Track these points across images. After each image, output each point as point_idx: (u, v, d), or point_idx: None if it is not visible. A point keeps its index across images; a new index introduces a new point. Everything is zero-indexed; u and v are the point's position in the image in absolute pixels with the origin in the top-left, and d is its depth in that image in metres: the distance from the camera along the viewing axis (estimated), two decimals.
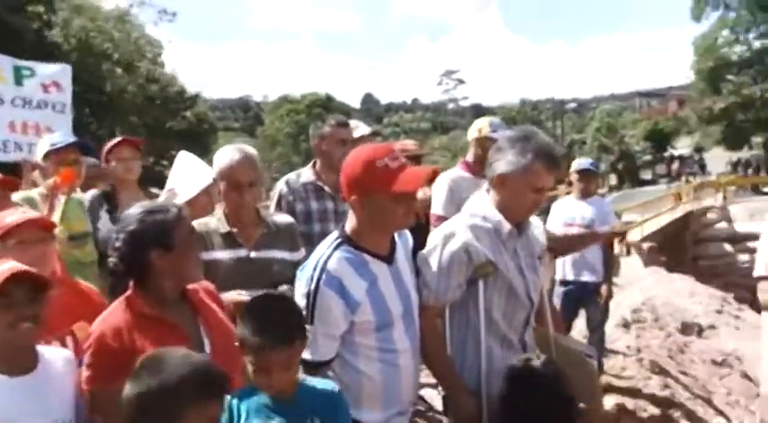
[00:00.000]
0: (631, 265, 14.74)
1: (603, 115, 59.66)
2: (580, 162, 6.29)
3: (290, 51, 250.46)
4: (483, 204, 2.61)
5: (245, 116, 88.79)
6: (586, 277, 6.03)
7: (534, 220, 2.77)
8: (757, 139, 45.19)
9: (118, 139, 3.91)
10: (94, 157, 4.31)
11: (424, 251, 2.57)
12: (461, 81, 61.47)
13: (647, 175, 53.58)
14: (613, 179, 52.57)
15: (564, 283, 6.11)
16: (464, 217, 2.60)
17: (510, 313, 2.58)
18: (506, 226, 2.55)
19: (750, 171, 38.33)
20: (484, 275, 2.52)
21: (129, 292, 2.21)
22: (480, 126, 4.29)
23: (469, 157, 4.31)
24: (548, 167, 2.47)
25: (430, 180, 4.43)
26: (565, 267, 6.07)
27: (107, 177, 3.91)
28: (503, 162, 2.54)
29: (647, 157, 55.95)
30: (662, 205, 23.62)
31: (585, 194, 6.14)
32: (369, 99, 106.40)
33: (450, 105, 62.60)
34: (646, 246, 16.64)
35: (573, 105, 63.83)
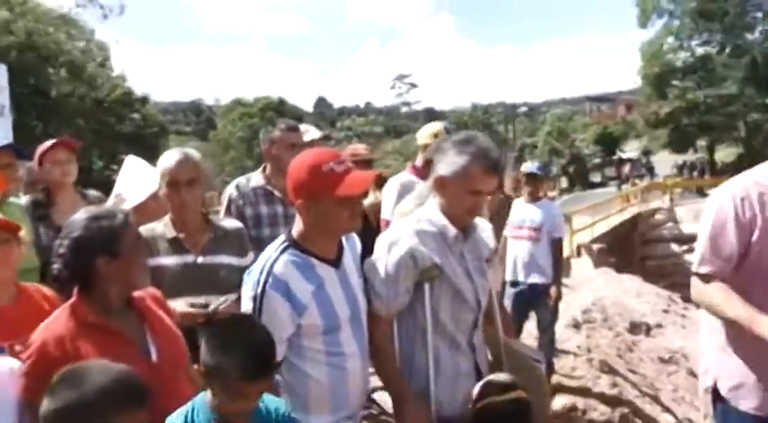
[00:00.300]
0: (582, 267, 15.01)
1: (554, 119, 60.77)
2: (527, 166, 6.41)
3: (242, 55, 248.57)
4: (429, 209, 2.63)
5: (198, 120, 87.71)
6: (536, 279, 6.13)
7: (481, 223, 2.79)
8: (701, 143, 46.57)
9: (52, 141, 3.79)
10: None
11: (372, 258, 2.58)
12: (414, 85, 61.76)
13: (596, 177, 54.67)
14: (564, 182, 53.55)
15: (514, 284, 6.20)
16: (410, 222, 2.62)
17: (457, 316, 2.60)
18: (452, 230, 2.58)
19: (695, 174, 39.40)
20: (430, 279, 2.53)
21: (73, 300, 2.16)
22: (436, 130, 4.28)
23: (419, 161, 4.33)
24: (485, 170, 2.49)
25: (380, 184, 4.45)
26: (515, 269, 6.17)
27: (42, 181, 3.80)
28: (442, 164, 2.56)
29: (597, 161, 57.13)
30: (611, 207, 24.13)
31: (534, 198, 6.27)
32: (322, 103, 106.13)
33: (403, 109, 62.88)
34: (596, 247, 16.93)
35: (524, 109, 64.71)
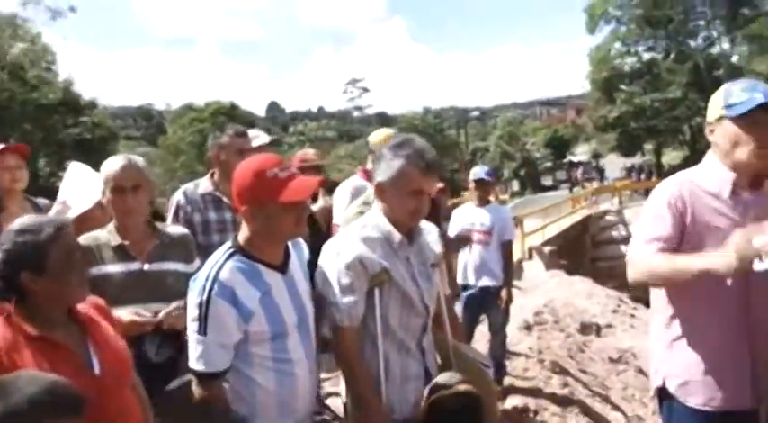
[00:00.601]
0: (534, 269, 15.21)
1: (505, 123, 61.52)
2: (476, 171, 6.48)
3: (193, 58, 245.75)
4: (373, 215, 2.65)
5: (148, 125, 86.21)
6: (487, 282, 6.21)
7: (427, 227, 2.80)
8: (648, 146, 47.79)
9: (1, 146, 3.66)
10: None
11: (321, 269, 2.58)
12: (366, 89, 61.89)
13: (548, 180, 55.60)
14: (516, 185, 54.32)
15: (465, 287, 6.27)
16: (355, 229, 2.63)
17: (406, 321, 2.61)
18: (397, 235, 2.59)
19: (643, 176, 40.29)
20: (379, 284, 2.54)
21: (10, 311, 2.09)
22: (385, 135, 4.29)
23: (370, 165, 4.34)
24: (420, 170, 2.50)
25: (330, 189, 4.45)
26: (466, 272, 6.24)
27: None
28: (380, 170, 2.59)
29: (548, 164, 58.15)
30: (562, 210, 24.50)
31: (483, 202, 6.36)
32: (274, 107, 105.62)
33: (356, 114, 62.88)
34: (547, 249, 17.18)
35: (476, 114, 65.44)
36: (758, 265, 2.16)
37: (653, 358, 2.77)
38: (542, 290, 12.36)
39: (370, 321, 2.56)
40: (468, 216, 6.33)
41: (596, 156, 54.71)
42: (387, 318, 2.57)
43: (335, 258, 2.54)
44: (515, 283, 12.77)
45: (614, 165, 48.31)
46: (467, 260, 6.25)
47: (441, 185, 7.90)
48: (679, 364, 2.62)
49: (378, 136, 4.37)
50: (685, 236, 2.51)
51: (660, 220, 2.53)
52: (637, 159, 47.84)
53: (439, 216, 5.89)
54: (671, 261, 2.39)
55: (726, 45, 45.19)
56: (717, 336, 2.54)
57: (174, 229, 3.16)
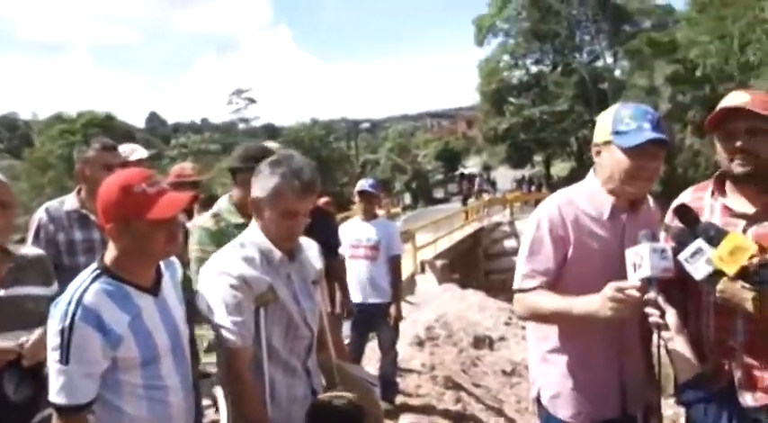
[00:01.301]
0: (426, 283, 15.42)
1: (396, 135, 62.23)
2: (360, 183, 6.50)
3: (63, 66, 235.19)
4: (253, 232, 2.62)
5: (12, 136, 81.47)
6: (375, 299, 6.24)
7: (308, 243, 2.80)
8: (538, 158, 49.73)
9: None
10: None
11: (203, 292, 2.53)
12: (252, 100, 60.70)
13: (440, 193, 56.54)
14: (408, 198, 54.89)
15: (353, 305, 6.21)
16: (234, 248, 2.59)
17: (291, 341, 2.60)
18: (277, 253, 2.57)
19: (533, 188, 41.77)
20: (264, 304, 2.52)
21: None
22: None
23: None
24: (295, 190, 2.50)
25: (209, 204, 4.35)
26: (354, 290, 6.22)
27: None
28: (257, 186, 2.57)
29: (440, 176, 59.18)
30: (454, 222, 24.99)
31: (369, 216, 6.40)
32: (154, 118, 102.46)
33: (241, 125, 61.70)
34: (439, 263, 17.44)
35: (366, 125, 65.95)
36: (631, 277, 2.30)
37: (530, 369, 2.90)
38: (435, 304, 12.53)
39: (254, 343, 2.53)
40: (354, 231, 6.36)
41: (487, 168, 56.27)
42: (271, 339, 2.54)
43: (218, 279, 2.49)
44: (407, 298, 12.92)
45: (505, 177, 49.87)
46: (354, 277, 6.26)
47: (325, 199, 7.97)
48: (551, 376, 2.75)
49: None
50: (567, 261, 2.61)
51: (541, 249, 2.62)
52: (527, 171, 49.56)
53: (334, 229, 5.91)
54: (553, 304, 2.54)
55: (609, 59, 47.97)
56: (588, 349, 2.66)
57: (28, 250, 2.97)
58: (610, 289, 2.30)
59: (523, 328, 12.10)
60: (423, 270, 16.71)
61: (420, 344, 9.05)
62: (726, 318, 2.43)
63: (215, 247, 2.92)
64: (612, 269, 2.41)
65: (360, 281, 6.25)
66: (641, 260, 2.26)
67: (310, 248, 2.81)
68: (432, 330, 9.80)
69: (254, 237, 2.60)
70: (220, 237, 3.22)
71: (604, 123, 2.59)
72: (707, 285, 2.34)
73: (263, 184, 2.55)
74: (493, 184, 48.96)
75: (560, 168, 49.08)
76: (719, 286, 2.28)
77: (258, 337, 2.52)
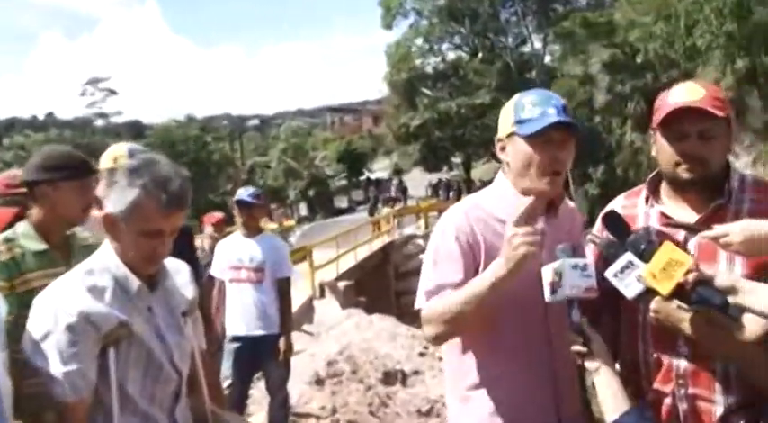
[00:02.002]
0: (327, 309, 15.37)
1: (290, 134, 62.20)
2: (239, 193, 6.47)
3: None
4: (105, 255, 2.50)
5: None
6: (260, 330, 6.20)
7: (176, 267, 2.71)
8: (457, 160, 50.39)
9: None
10: None
11: (30, 331, 2.37)
12: (112, 91, 59.26)
13: (342, 202, 56.80)
14: (304, 209, 54.83)
15: (235, 339, 6.22)
16: (77, 276, 2.45)
17: (151, 387, 2.49)
18: (134, 281, 2.46)
19: (452, 194, 42.38)
20: (115, 342, 2.39)
21: None
22: (116, 154, 4.13)
23: (101, 192, 4.10)
24: (160, 205, 2.38)
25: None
26: (234, 320, 6.20)
27: None
28: (110, 199, 2.43)
29: (342, 182, 59.42)
30: (360, 236, 25.02)
31: (252, 231, 6.37)
32: None
33: (99, 122, 60.12)
34: (342, 285, 17.47)
35: (255, 122, 65.57)
36: (548, 297, 2.33)
37: (449, 411, 2.89)
38: (337, 334, 12.49)
39: (102, 390, 2.39)
40: (234, 250, 6.32)
41: (398, 171, 56.84)
42: (125, 385, 2.42)
43: (52, 318, 2.34)
44: (304, 327, 12.81)
45: (418, 181, 50.46)
46: (234, 304, 6.22)
47: (220, 215, 7.67)
48: (472, 419, 2.74)
49: (106, 155, 4.19)
50: (479, 274, 2.60)
51: (448, 261, 2.64)
52: (444, 174, 50.32)
53: (193, 249, 5.75)
54: (460, 294, 2.53)
55: (538, 44, 49.29)
56: (516, 382, 2.67)
57: None
58: (508, 231, 2.39)
59: (442, 358, 12.18)
60: (322, 293, 16.72)
61: (319, 382, 8.96)
62: (665, 341, 2.50)
63: (5, 282, 2.81)
64: (532, 281, 2.42)
65: (242, 309, 6.20)
66: (559, 278, 2.30)
67: (179, 273, 2.72)
68: (333, 365, 9.72)
69: (106, 261, 2.46)
70: (13, 268, 3.01)
71: (506, 114, 2.67)
72: (641, 304, 2.40)
73: (119, 196, 2.41)
74: (404, 190, 49.46)
75: (483, 171, 49.90)
76: (653, 306, 2.35)
77: (107, 382, 2.39)
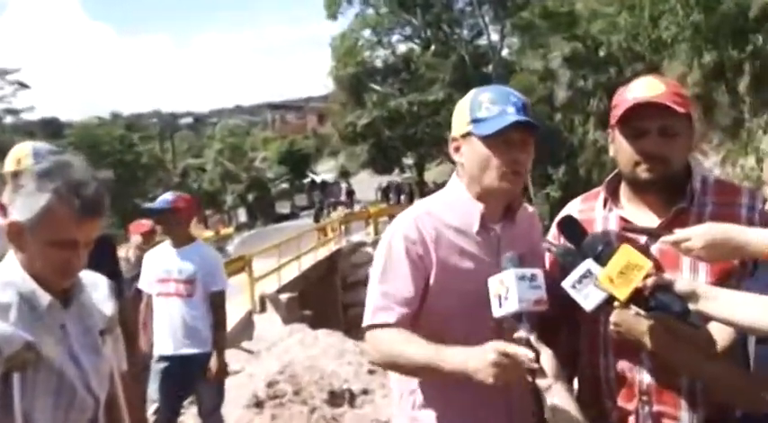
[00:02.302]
0: (267, 325, 15.30)
1: (226, 133, 61.89)
2: (159, 199, 6.43)
3: None
4: (10, 268, 2.42)
5: None
6: (191, 348, 6.14)
7: (92, 280, 2.65)
8: (408, 161, 50.57)
9: None
10: None
11: None
12: (23, 85, 57.88)
13: (285, 207, 56.72)
14: (243, 215, 54.59)
15: (162, 359, 6.15)
16: None
17: (63, 416, 2.41)
18: (43, 297, 2.39)
19: (403, 198, 42.54)
20: (21, 366, 2.31)
21: None
22: (19, 155, 4.09)
23: (6, 198, 4.01)
24: (73, 212, 2.33)
25: None
26: (161, 338, 6.15)
27: None
28: (17, 205, 2.37)
29: (285, 186, 59.28)
30: (304, 244, 24.97)
31: (180, 240, 6.29)
32: None
33: (9, 119, 58.78)
34: (285, 297, 17.44)
35: (187, 120, 65.08)
36: (497, 311, 2.33)
37: None
38: (278, 351, 12.44)
39: (5, 420, 2.32)
40: (161, 261, 6.26)
41: (345, 174, 56.98)
42: (31, 414, 2.34)
43: None
44: (243, 344, 12.72)
45: (367, 184, 50.60)
46: (161, 321, 6.17)
47: (148, 224, 7.56)
48: None
49: (10, 156, 4.14)
50: (430, 287, 2.63)
51: (397, 273, 2.65)
52: (395, 177, 50.53)
53: (115, 261, 5.66)
54: (417, 353, 2.51)
55: (495, 36, 49.58)
56: (467, 400, 2.64)
57: None
58: (492, 352, 2.30)
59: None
60: (263, 307, 16.67)
61: (258, 405, 8.91)
62: (628, 355, 2.53)
63: None
64: (482, 293, 2.42)
65: (170, 325, 6.13)
66: (507, 291, 2.30)
67: (96, 287, 2.66)
68: (274, 386, 9.67)
69: (10, 275, 2.39)
70: None
71: (461, 112, 2.68)
72: (601, 316, 2.44)
73: (26, 203, 2.34)
74: (350, 193, 49.56)
75: (437, 173, 50.17)
76: (613, 318, 2.38)
77: (9, 412, 2.31)
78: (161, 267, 6.22)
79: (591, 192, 2.84)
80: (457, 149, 2.70)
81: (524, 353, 2.24)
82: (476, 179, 2.64)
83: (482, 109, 2.60)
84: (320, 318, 18.03)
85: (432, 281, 2.63)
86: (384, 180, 49.70)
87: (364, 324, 2.67)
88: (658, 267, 2.33)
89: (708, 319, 2.26)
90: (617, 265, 2.24)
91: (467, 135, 2.64)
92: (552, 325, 2.52)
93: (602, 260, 2.30)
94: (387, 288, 2.65)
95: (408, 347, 2.54)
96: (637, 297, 2.23)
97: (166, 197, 6.33)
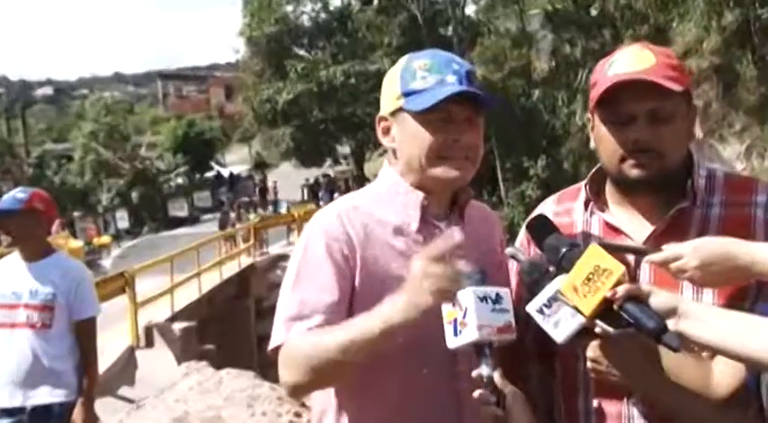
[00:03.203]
0: (156, 363, 15.17)
1: (101, 110, 61.23)
2: (6, 197, 6.28)
3: None
4: None
5: None
6: (47, 398, 5.99)
7: None
8: (345, 149, 50.67)
9: None
10: None
11: None
12: None
13: (180, 209, 56.48)
14: (124, 219, 54.15)
15: (5, 413, 5.97)
16: None
17: None
18: None
19: (337, 196, 42.59)
20: None
21: None
22: None
23: None
24: None
25: None
26: (2, 385, 5.96)
27: None
28: None
29: (180, 181, 58.94)
30: (206, 258, 24.85)
31: (33, 252, 6.16)
32: None
33: None
34: (179, 328, 17.28)
35: (46, 91, 64.29)
36: (451, 342, 2.32)
37: None
38: (170, 400, 12.31)
39: None
40: (7, 280, 6.10)
41: (261, 166, 56.89)
42: None
43: None
44: (121, 391, 12.58)
45: (290, 179, 50.65)
46: (6, 360, 5.97)
47: None
48: None
49: None
50: (357, 295, 2.66)
51: (317, 278, 2.67)
52: (326, 170, 50.64)
53: None
54: (332, 337, 2.51)
55: None
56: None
57: None
58: (420, 262, 2.35)
59: None
60: (149, 341, 16.52)
61: None
62: (613, 398, 2.57)
63: None
64: (435, 316, 2.40)
65: (17, 367, 5.96)
66: (464, 315, 2.30)
67: None
68: None
69: None
70: None
71: (390, 84, 2.77)
72: (579, 350, 2.48)
73: None
74: (263, 191, 49.54)
75: (380, 164, 50.30)
76: (590, 354, 2.41)
77: None
78: (6, 288, 6.05)
79: (569, 189, 2.89)
80: (386, 131, 2.78)
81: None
82: (411, 166, 2.70)
83: (416, 79, 2.66)
84: (226, 354, 18.08)
85: (358, 288, 2.66)
86: (312, 174, 49.76)
87: (273, 345, 2.65)
88: (632, 276, 2.38)
89: (687, 341, 2.22)
90: (583, 271, 2.25)
91: (397, 112, 2.70)
92: (522, 358, 2.61)
93: (564, 265, 2.33)
94: (303, 295, 2.65)
95: (323, 337, 2.52)
96: (606, 311, 2.22)
97: (17, 194, 6.14)
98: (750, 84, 26.17)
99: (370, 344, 2.44)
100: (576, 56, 33.27)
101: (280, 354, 2.63)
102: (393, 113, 2.73)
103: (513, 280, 2.74)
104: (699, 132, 24.47)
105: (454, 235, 2.55)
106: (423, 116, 2.61)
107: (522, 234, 2.76)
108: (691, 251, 2.33)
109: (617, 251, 2.48)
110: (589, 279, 2.23)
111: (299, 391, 2.76)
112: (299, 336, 2.59)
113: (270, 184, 53.70)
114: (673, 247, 2.38)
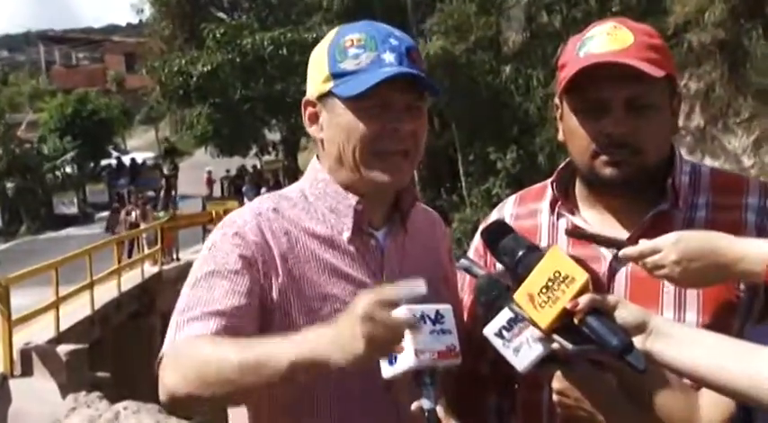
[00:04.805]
0: (34, 396, 15.09)
1: None
2: None
3: None
4: None
5: None
6: None
7: None
8: (274, 135, 50.48)
9: None
10: None
11: None
12: None
13: (68, 206, 55.82)
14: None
15: None
16: None
17: None
18: None
19: (263, 192, 42.39)
20: None
21: None
22: None
23: None
24: None
25: None
26: None
27: None
28: None
29: (69, 170, 58.45)
30: (100, 265, 24.65)
31: None
32: None
33: None
34: (64, 352, 17.08)
35: None
36: (386, 371, 2.32)
37: None
38: None
39: None
40: None
41: (171, 153, 56.58)
42: None
43: None
44: None
45: (214, 168, 50.40)
46: None
47: None
48: None
49: None
50: (274, 312, 2.68)
51: (219, 280, 2.66)
52: (251, 160, 50.41)
53: None
54: (237, 347, 2.41)
55: None
56: None
57: None
58: (363, 304, 2.23)
59: None
60: (26, 368, 16.46)
61: None
62: None
63: None
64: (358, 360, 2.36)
65: None
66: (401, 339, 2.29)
67: None
68: None
69: None
70: None
71: (317, 63, 2.78)
72: (543, 379, 2.50)
73: None
74: (168, 178, 49.19)
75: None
76: (556, 385, 2.43)
77: None
78: None
79: (532, 188, 2.97)
80: (314, 118, 2.78)
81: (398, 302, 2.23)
82: (342, 163, 2.70)
83: (347, 57, 2.66)
84: (125, 383, 18.03)
85: (276, 307, 2.66)
86: (234, 164, 49.59)
87: (165, 348, 2.58)
88: (598, 284, 2.42)
89: (654, 362, 2.24)
90: (541, 278, 2.28)
91: (325, 96, 2.70)
92: (477, 389, 2.63)
93: (520, 271, 2.36)
94: (202, 293, 2.64)
95: (224, 346, 2.44)
96: (564, 324, 2.26)
97: None
98: (761, 63, 25.63)
99: (275, 372, 2.34)
100: (555, 26, 33.43)
101: (166, 353, 2.57)
102: (321, 98, 2.72)
103: (467, 296, 2.77)
104: (699, 121, 24.25)
105: (421, 286, 2.32)
106: (354, 103, 2.61)
107: (477, 240, 2.79)
108: (670, 244, 2.38)
109: (589, 239, 2.63)
110: (548, 287, 2.26)
111: (178, 403, 2.57)
112: (194, 338, 2.53)
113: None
114: (650, 241, 2.42)
